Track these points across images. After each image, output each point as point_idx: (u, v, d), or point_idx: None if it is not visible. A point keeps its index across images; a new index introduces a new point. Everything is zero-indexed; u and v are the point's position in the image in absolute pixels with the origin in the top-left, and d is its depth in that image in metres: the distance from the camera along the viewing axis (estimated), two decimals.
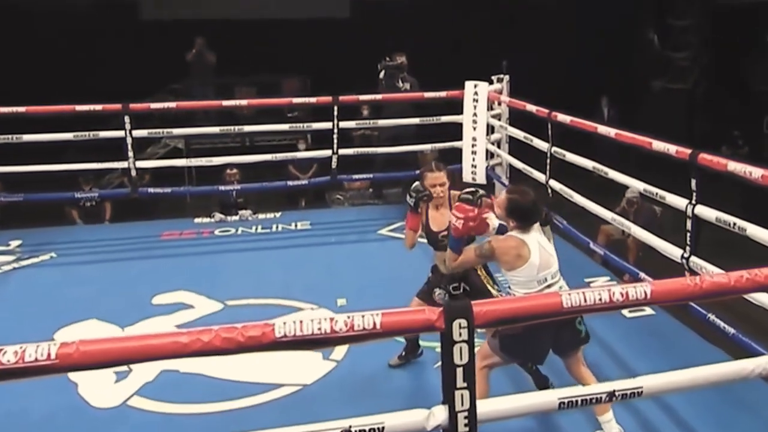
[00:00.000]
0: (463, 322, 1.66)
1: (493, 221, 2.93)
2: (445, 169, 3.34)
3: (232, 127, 6.29)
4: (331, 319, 1.63)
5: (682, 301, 1.84)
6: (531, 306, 1.74)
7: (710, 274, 1.80)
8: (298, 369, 3.72)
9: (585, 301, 1.74)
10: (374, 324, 1.63)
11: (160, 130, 6.06)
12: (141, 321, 4.35)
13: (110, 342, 1.59)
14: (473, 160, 6.33)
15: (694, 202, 3.56)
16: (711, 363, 3.34)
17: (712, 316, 3.38)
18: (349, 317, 1.64)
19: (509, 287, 2.83)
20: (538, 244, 2.77)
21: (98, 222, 7.24)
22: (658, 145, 3.76)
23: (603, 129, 4.47)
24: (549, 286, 2.76)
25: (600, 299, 1.74)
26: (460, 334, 1.66)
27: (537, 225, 2.82)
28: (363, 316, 1.63)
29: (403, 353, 3.73)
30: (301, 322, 1.66)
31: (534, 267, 2.73)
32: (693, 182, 3.52)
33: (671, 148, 3.65)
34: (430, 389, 3.31)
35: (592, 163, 4.67)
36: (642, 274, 4.05)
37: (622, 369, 3.63)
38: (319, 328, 1.62)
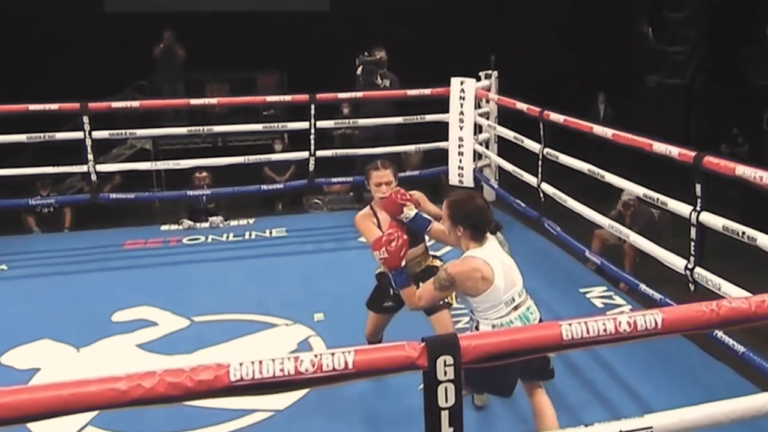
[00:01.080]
0: (449, 359, 1.50)
1: (409, 211, 2.84)
2: (392, 167, 3.26)
3: (200, 128, 6.11)
4: (296, 359, 1.46)
5: (697, 330, 1.70)
6: (527, 339, 1.58)
7: (728, 299, 1.65)
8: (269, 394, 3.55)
9: (587, 332, 1.59)
10: (346, 364, 1.46)
11: (123, 131, 5.84)
12: (99, 340, 4.18)
13: (29, 392, 1.40)
14: (460, 161, 6.29)
15: (698, 208, 3.43)
16: (722, 384, 3.34)
17: (719, 333, 3.25)
18: (317, 356, 1.47)
19: (476, 318, 2.59)
20: (500, 261, 2.54)
21: (57, 230, 7.02)
22: (660, 147, 3.63)
23: (599, 129, 4.36)
24: (517, 307, 2.57)
25: (605, 330, 1.59)
26: (446, 373, 1.50)
27: (491, 237, 2.61)
28: (333, 355, 1.47)
29: None
30: (260, 362, 1.49)
31: (500, 289, 2.51)
32: (698, 187, 3.39)
33: (673, 151, 3.53)
34: (412, 414, 3.13)
35: (587, 166, 4.59)
36: (643, 286, 3.91)
37: (624, 391, 3.49)
38: (282, 369, 1.45)
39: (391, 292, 3.36)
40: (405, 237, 2.66)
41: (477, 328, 2.56)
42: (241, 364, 1.50)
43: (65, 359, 4.00)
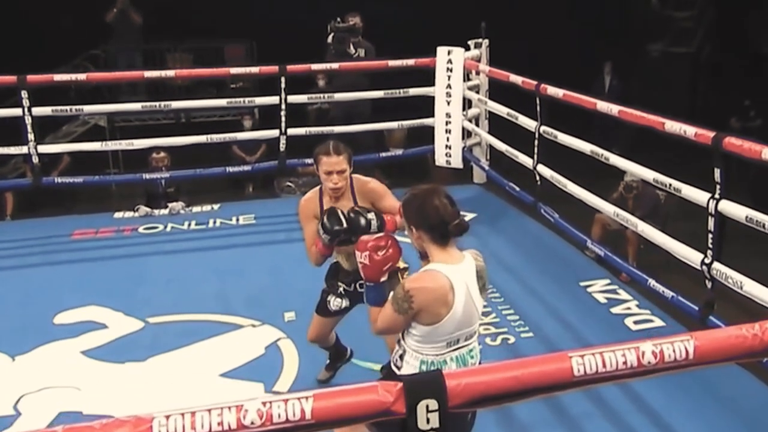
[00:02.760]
0: (433, 404, 1.27)
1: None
2: (346, 152, 2.98)
3: (156, 103, 5.86)
4: (239, 408, 1.22)
5: (738, 359, 1.48)
6: (531, 376, 1.36)
7: None
8: None
9: (604, 365, 1.37)
10: (303, 413, 1.23)
11: (68, 108, 5.58)
12: (38, 347, 3.98)
13: None
14: (447, 139, 6.19)
15: (717, 196, 3.23)
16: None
17: None
18: (265, 404, 1.23)
19: (404, 346, 2.23)
20: (465, 286, 2.14)
21: None
22: (673, 127, 3.43)
23: (603, 105, 4.16)
24: (458, 348, 2.21)
25: (625, 362, 1.37)
26: (428, 421, 1.28)
27: (467, 255, 2.23)
28: (287, 402, 1.23)
29: (329, 362, 3.56)
30: (192, 414, 1.25)
31: (454, 321, 2.12)
32: (716, 172, 3.19)
33: (689, 131, 3.33)
34: None
35: (589, 147, 4.42)
36: (652, 282, 3.73)
37: (653, 422, 3.20)
38: (220, 423, 1.21)
39: (340, 290, 3.19)
40: (397, 248, 2.35)
41: (401, 358, 2.23)
42: (167, 417, 1.26)
43: None
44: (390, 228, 2.82)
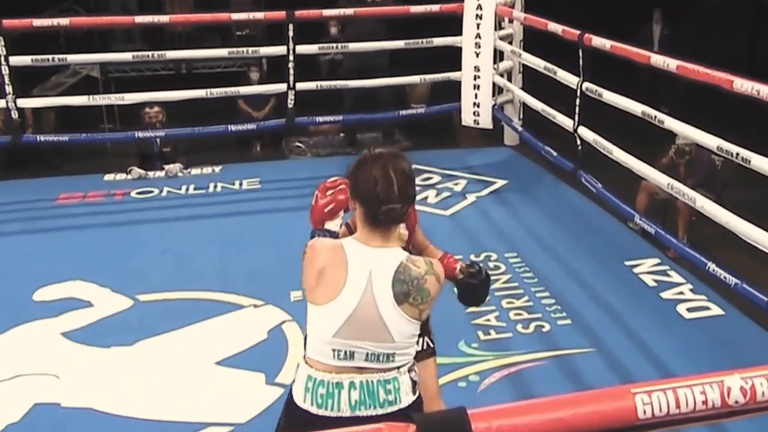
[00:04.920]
0: None
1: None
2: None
3: (149, 53, 5.72)
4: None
5: None
6: (580, 419, 1.13)
7: None
8: (230, 400, 3.32)
9: (677, 405, 1.15)
10: None
11: (49, 57, 5.44)
12: (14, 327, 3.89)
13: None
14: (475, 96, 6.12)
15: None
16: None
17: None
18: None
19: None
20: (368, 272, 1.86)
21: None
22: (744, 86, 3.17)
23: (658, 59, 3.91)
24: (358, 373, 1.88)
25: (705, 401, 1.15)
26: None
27: (394, 249, 1.92)
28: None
29: None
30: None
31: (340, 313, 1.85)
32: None
33: (764, 91, 3.05)
34: None
35: (640, 107, 4.22)
36: (712, 266, 3.52)
37: None
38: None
39: None
40: (347, 195, 2.11)
41: (298, 367, 2.01)
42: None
43: None
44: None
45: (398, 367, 1.90)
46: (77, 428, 3.14)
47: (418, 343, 2.08)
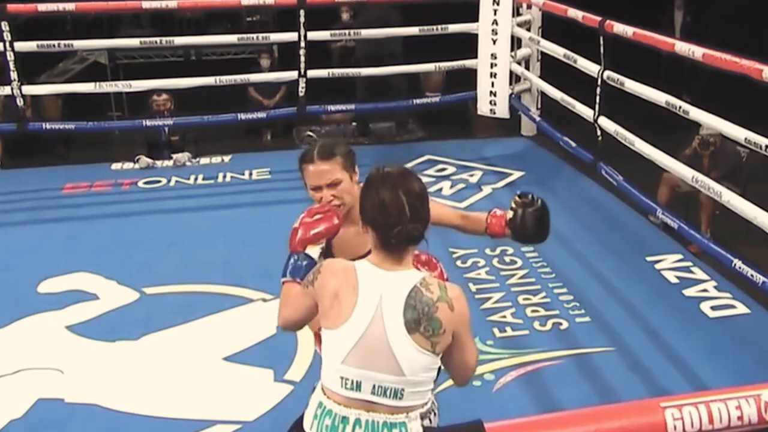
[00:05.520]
0: None
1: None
2: (340, 155, 2.25)
3: (157, 39, 5.72)
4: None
5: None
6: None
7: None
8: (237, 398, 3.30)
9: (710, 420, 1.09)
10: None
11: (55, 43, 5.43)
12: (18, 320, 3.89)
13: None
14: (492, 85, 6.10)
15: None
16: None
17: None
18: None
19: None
20: (379, 296, 1.78)
21: None
22: None
23: (683, 47, 3.82)
24: (364, 403, 1.81)
25: (740, 417, 1.09)
26: None
27: (409, 270, 1.85)
28: None
29: None
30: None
31: (348, 339, 1.78)
32: None
33: None
34: None
35: (664, 97, 4.18)
36: (738, 263, 3.47)
37: None
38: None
39: None
40: (334, 223, 2.09)
41: (314, 390, 1.97)
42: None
43: None
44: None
45: (408, 410, 1.79)
46: (81, 425, 3.12)
47: None
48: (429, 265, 2.13)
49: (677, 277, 4.13)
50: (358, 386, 1.77)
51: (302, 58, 5.85)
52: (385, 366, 1.76)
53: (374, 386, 1.77)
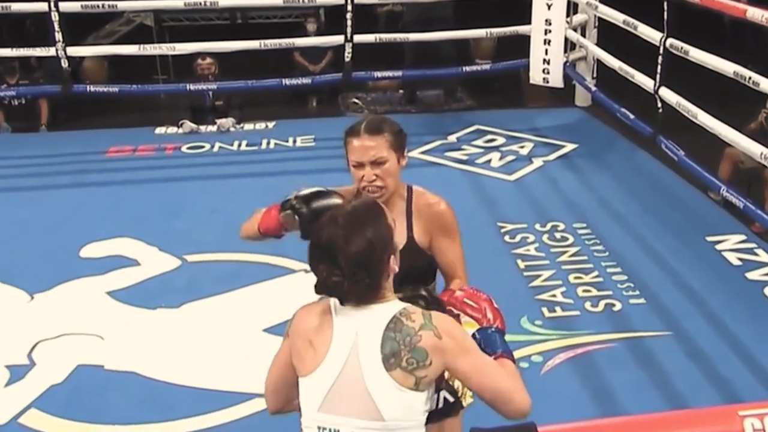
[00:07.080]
0: None
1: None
2: (390, 132, 2.07)
3: (201, 0, 5.74)
4: None
5: None
6: None
7: None
8: None
9: None
10: None
11: (99, 3, 5.47)
12: (60, 284, 3.93)
13: None
14: (546, 52, 6.01)
15: None
16: None
17: None
18: None
19: None
20: (354, 335, 1.58)
21: (32, 128, 6.65)
22: None
23: (756, 14, 3.64)
24: None
25: None
26: None
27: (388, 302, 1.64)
28: None
29: None
30: None
31: (322, 384, 1.60)
32: None
33: None
34: None
35: (733, 67, 3.98)
36: None
37: None
38: None
39: None
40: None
41: None
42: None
43: (12, 310, 3.75)
44: (447, 304, 1.86)
45: None
46: (119, 392, 3.12)
47: (433, 399, 1.76)
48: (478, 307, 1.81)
49: (739, 259, 4.01)
50: None
51: (349, 23, 5.80)
52: (363, 410, 1.57)
53: None
